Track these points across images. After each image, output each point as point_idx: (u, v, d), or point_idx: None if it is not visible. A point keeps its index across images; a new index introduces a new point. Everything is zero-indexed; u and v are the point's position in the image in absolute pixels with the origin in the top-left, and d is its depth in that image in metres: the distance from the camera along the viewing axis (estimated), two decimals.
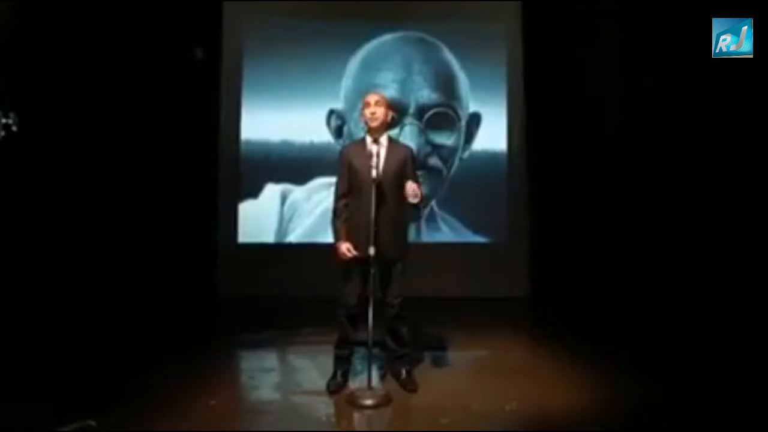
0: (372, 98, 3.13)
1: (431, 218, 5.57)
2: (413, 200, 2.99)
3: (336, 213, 3.18)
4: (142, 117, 5.33)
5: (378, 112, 3.09)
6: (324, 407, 3.00)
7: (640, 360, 3.64)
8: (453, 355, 3.74)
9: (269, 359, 3.75)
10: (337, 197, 3.19)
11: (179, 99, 5.33)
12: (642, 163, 4.93)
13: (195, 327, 4.54)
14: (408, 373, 3.24)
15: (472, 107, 5.68)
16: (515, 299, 5.37)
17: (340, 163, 3.20)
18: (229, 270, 5.46)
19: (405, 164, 3.14)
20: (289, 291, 5.15)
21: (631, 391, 3.19)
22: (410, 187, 2.98)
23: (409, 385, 3.18)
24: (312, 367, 3.47)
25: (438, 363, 3.62)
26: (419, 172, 3.47)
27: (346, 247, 3.08)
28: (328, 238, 3.28)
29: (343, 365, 3.23)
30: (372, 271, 3.01)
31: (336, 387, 3.16)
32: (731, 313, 4.03)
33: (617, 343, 4.01)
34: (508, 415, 2.91)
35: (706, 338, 3.90)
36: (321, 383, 3.20)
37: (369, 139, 3.15)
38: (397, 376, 3.26)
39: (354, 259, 3.05)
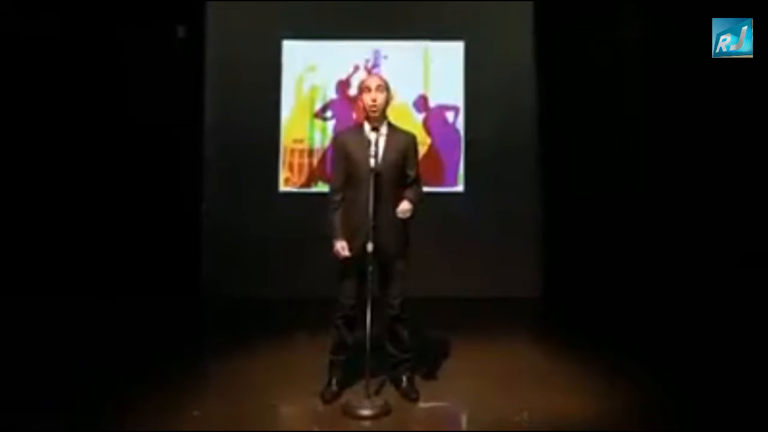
0: (373, 82, 2.79)
1: None
2: (402, 216, 2.71)
3: (331, 207, 2.80)
4: (120, 102, 4.94)
5: (379, 99, 2.76)
6: (318, 418, 2.69)
7: (659, 365, 3.34)
8: (458, 361, 3.40)
9: (259, 365, 3.38)
10: (333, 190, 2.85)
11: (161, 86, 4.95)
12: (661, 158, 4.64)
13: (180, 331, 4.20)
14: (409, 380, 2.90)
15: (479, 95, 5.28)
16: (525, 299, 4.95)
17: (335, 151, 2.88)
18: (216, 269, 5.03)
19: (407, 153, 2.82)
20: (282, 292, 4.76)
21: (649, 398, 2.88)
22: (404, 208, 2.70)
23: (411, 394, 2.85)
24: (305, 375, 3.11)
25: (441, 369, 3.27)
26: None
27: (340, 245, 2.74)
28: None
29: (338, 372, 2.89)
30: (370, 269, 2.68)
31: (331, 396, 2.82)
32: (756, 316, 3.70)
33: (634, 346, 3.70)
34: (518, 426, 2.59)
35: (728, 341, 3.65)
36: (315, 392, 2.86)
37: (367, 127, 2.81)
38: (397, 383, 2.92)
39: (350, 257, 2.70)
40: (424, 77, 5.30)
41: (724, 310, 3.96)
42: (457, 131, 5.28)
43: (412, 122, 5.16)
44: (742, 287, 3.99)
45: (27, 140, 4.71)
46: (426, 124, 5.29)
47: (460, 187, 5.23)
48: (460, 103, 5.26)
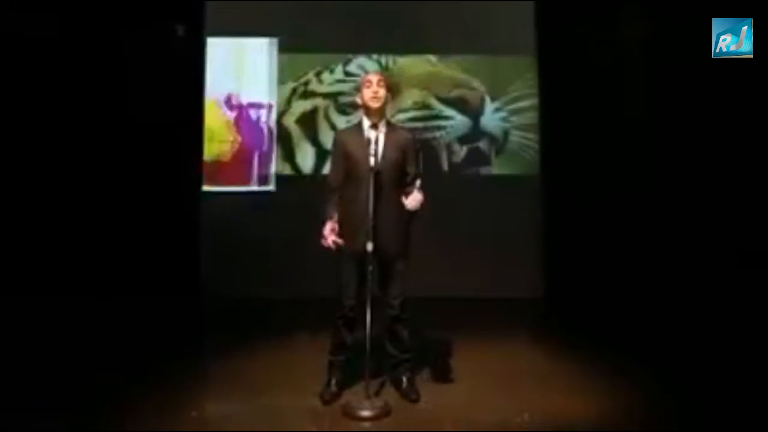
0: (374, 77, 2.76)
1: None
2: (413, 207, 2.65)
3: (328, 197, 2.77)
4: (120, 101, 4.87)
5: (380, 93, 2.73)
6: (317, 419, 2.63)
7: (662, 365, 3.28)
8: (458, 362, 3.33)
9: (258, 366, 3.33)
10: (330, 189, 2.80)
11: (161, 86, 4.88)
12: (662, 158, 4.57)
13: (179, 331, 4.14)
14: (409, 381, 2.85)
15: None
16: (527, 300, 4.86)
17: (334, 150, 2.83)
18: (216, 269, 4.94)
19: (406, 151, 2.78)
20: (282, 292, 4.70)
21: (651, 399, 2.82)
22: (414, 199, 2.64)
23: (411, 395, 2.79)
24: (305, 375, 3.05)
25: (442, 370, 3.21)
26: None
27: (330, 228, 2.68)
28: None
29: (338, 373, 2.84)
30: (370, 269, 2.63)
31: (330, 397, 2.77)
32: (756, 316, 3.65)
33: (636, 346, 3.63)
34: (519, 428, 2.55)
35: (729, 341, 3.59)
36: (314, 392, 2.81)
37: (366, 124, 2.78)
38: (397, 384, 2.87)
39: (338, 248, 2.67)
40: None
41: (725, 309, 3.90)
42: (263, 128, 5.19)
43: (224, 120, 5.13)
44: (742, 287, 3.95)
45: (26, 140, 4.65)
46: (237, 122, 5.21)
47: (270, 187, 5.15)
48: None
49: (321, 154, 5.10)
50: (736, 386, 2.94)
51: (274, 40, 5.19)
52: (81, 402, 2.73)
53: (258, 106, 5.23)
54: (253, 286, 4.78)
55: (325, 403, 2.72)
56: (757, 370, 3.11)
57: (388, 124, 2.80)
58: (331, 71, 5.24)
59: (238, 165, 5.15)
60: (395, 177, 2.71)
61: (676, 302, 4.22)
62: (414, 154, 2.80)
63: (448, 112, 5.19)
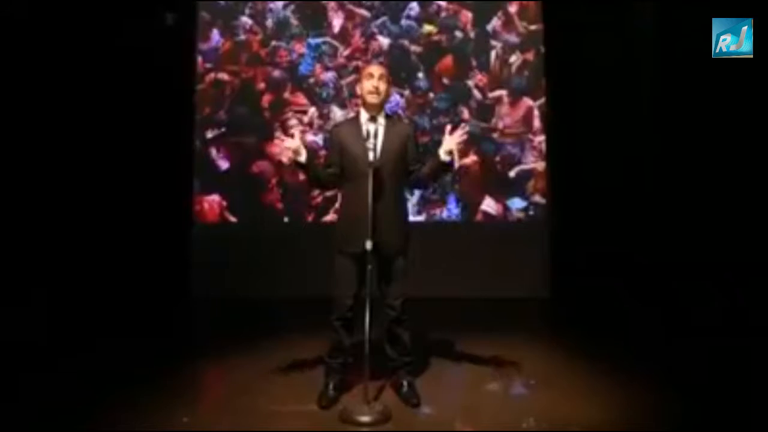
0: (376, 70, 2.63)
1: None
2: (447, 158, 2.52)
3: None
4: (111, 96, 4.70)
5: (381, 87, 2.60)
6: (315, 424, 2.51)
7: (669, 370, 3.14)
8: (461, 365, 3.20)
9: (255, 368, 3.17)
10: None
11: (152, 81, 4.72)
12: (668, 156, 4.47)
13: (176, 331, 4.04)
14: (410, 385, 2.72)
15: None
16: (532, 300, 4.69)
17: (330, 144, 2.72)
18: (213, 269, 4.76)
19: (406, 144, 2.66)
20: (276, 292, 4.56)
21: (660, 405, 2.70)
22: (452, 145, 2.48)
23: (411, 399, 2.67)
24: (301, 379, 2.95)
25: (444, 373, 3.09)
26: None
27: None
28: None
29: (336, 377, 2.71)
30: (369, 268, 2.50)
31: (328, 402, 2.64)
32: (761, 317, 3.53)
33: (645, 350, 3.50)
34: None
35: (735, 342, 3.48)
36: (311, 397, 2.68)
37: (364, 117, 2.65)
38: (397, 388, 2.74)
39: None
40: None
41: (728, 309, 3.80)
42: None
43: None
44: (743, 287, 3.86)
45: (14, 137, 4.47)
46: None
47: None
48: None
49: None
50: (738, 386, 2.85)
51: None
52: (71, 405, 2.63)
53: None
54: (249, 286, 4.63)
55: (323, 407, 2.60)
56: (759, 371, 3.02)
57: (387, 117, 2.67)
58: None
59: None
60: (395, 172, 2.59)
61: (680, 302, 4.12)
62: (415, 146, 2.69)
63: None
